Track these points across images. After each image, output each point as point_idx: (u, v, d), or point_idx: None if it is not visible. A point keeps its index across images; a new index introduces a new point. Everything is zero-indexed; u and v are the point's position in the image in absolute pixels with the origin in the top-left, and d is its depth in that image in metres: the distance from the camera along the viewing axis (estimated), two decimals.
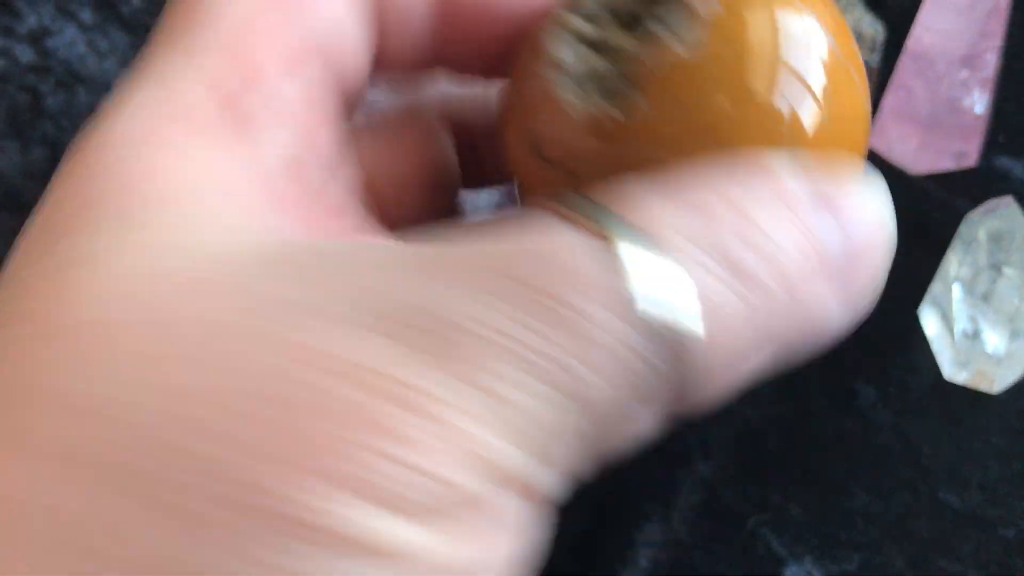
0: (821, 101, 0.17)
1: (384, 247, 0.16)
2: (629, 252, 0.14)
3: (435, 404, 0.13)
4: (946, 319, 0.35)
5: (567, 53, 0.18)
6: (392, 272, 0.14)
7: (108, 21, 0.44)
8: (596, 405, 0.14)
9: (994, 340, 0.34)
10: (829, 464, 0.35)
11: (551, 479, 0.15)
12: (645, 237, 0.14)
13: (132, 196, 0.16)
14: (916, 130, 0.41)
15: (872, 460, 0.35)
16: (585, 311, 0.14)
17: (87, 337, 0.15)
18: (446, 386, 0.13)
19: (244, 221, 0.16)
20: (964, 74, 0.39)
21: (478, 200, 0.34)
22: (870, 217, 0.18)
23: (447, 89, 0.23)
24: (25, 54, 0.43)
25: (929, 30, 0.39)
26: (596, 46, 0.17)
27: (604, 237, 0.14)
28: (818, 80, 0.17)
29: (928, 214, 0.41)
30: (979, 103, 0.40)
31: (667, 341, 0.14)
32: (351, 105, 0.20)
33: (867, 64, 0.43)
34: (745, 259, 0.15)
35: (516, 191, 0.20)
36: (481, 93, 0.23)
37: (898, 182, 0.42)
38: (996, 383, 0.35)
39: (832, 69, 0.17)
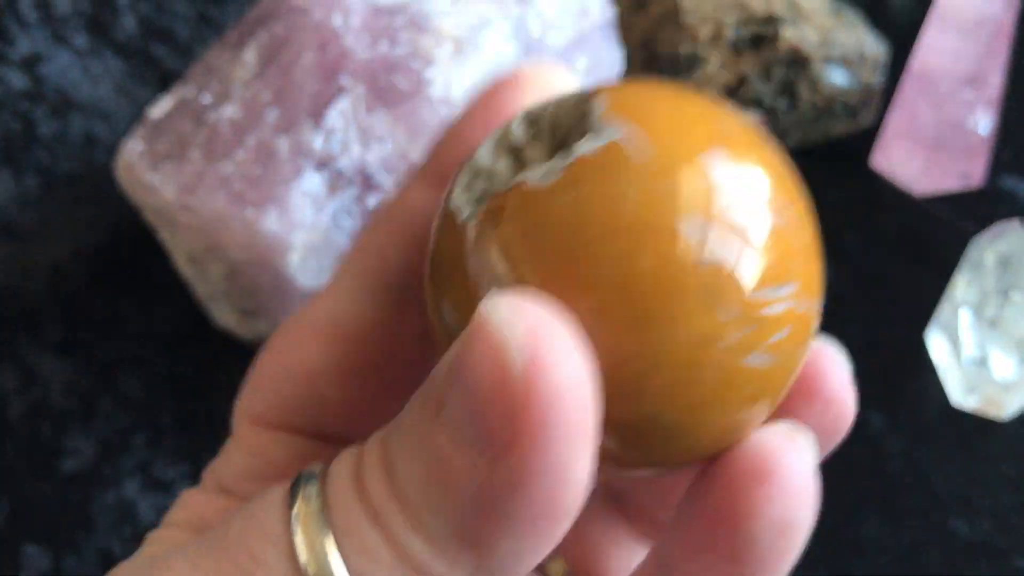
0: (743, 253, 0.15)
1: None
2: (300, 511, 0.16)
3: None
4: (954, 344, 0.35)
5: (480, 157, 0.16)
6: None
7: (102, 46, 0.44)
8: None
9: (1003, 366, 0.34)
10: (838, 492, 0.34)
11: None
12: (321, 502, 0.16)
13: None
14: (921, 150, 0.40)
15: (882, 488, 0.34)
16: (262, 559, 0.16)
17: None
18: None
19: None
20: (969, 95, 0.39)
21: None
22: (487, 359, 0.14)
23: None
24: (18, 80, 0.43)
25: (933, 51, 0.38)
26: (508, 158, 0.16)
27: (294, 496, 0.16)
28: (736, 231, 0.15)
29: (934, 236, 0.40)
30: (984, 123, 0.39)
31: None
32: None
33: (870, 85, 0.42)
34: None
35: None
36: None
37: (903, 204, 0.41)
38: (1005, 409, 0.34)
39: (769, 214, 0.15)
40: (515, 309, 0.14)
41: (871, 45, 0.43)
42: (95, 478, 0.36)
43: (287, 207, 0.33)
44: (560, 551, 0.21)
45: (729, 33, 0.42)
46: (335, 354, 0.20)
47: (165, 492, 0.35)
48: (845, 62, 0.42)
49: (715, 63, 0.42)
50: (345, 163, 0.33)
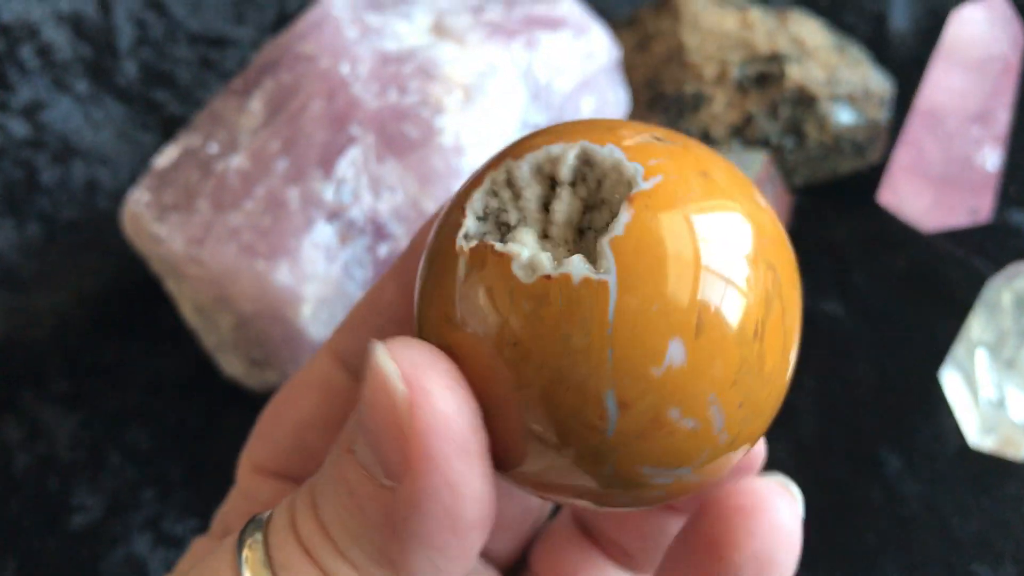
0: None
1: None
2: (248, 556, 0.17)
3: None
4: (970, 384, 0.35)
5: (482, 200, 0.17)
6: None
7: (103, 92, 0.44)
8: None
9: (1021, 407, 0.33)
10: (856, 537, 0.34)
11: None
12: (263, 545, 0.18)
13: None
14: (928, 187, 0.40)
15: (900, 532, 0.34)
16: None
17: None
18: None
19: None
20: (976, 132, 0.39)
21: None
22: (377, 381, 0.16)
23: None
24: (19, 128, 0.43)
25: (940, 89, 0.38)
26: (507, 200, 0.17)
27: (242, 541, 0.18)
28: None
29: (943, 273, 0.40)
30: (991, 159, 0.39)
31: None
32: None
33: (877, 121, 0.42)
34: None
35: None
36: None
37: (911, 240, 0.41)
38: (1023, 450, 0.34)
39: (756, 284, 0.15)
40: (398, 352, 0.16)
41: (876, 81, 0.43)
42: (104, 534, 0.35)
43: (299, 259, 0.32)
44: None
45: (734, 72, 0.42)
46: (323, 408, 0.22)
47: (176, 548, 0.35)
48: (851, 99, 0.42)
49: (721, 102, 0.41)
50: (356, 213, 0.33)
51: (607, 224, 0.16)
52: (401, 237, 0.33)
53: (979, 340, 0.34)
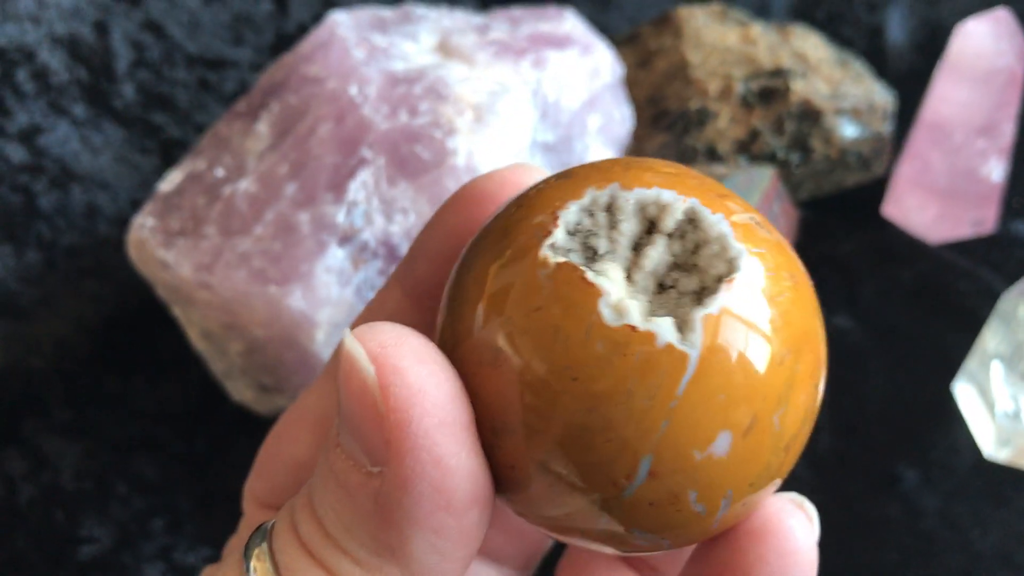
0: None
1: None
2: (255, 564, 0.18)
3: None
4: (985, 396, 0.35)
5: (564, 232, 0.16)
6: None
7: (101, 115, 0.43)
8: None
9: None
10: (877, 554, 0.33)
11: None
12: (269, 550, 0.18)
13: None
14: (933, 200, 0.40)
15: (920, 547, 0.34)
16: None
17: None
18: None
19: None
20: (981, 144, 0.39)
21: None
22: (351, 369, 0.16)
23: None
24: (16, 153, 0.42)
25: (945, 102, 0.38)
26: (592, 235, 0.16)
27: (249, 550, 0.18)
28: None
29: (950, 285, 0.40)
30: (996, 171, 0.40)
31: None
32: None
33: (881, 134, 0.42)
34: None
35: None
36: None
37: (918, 252, 0.41)
38: None
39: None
40: (365, 334, 0.16)
41: (879, 94, 0.43)
42: (114, 565, 0.35)
43: (312, 284, 0.32)
44: None
45: (738, 87, 0.42)
46: (318, 443, 0.21)
47: None
48: (855, 113, 0.42)
49: (726, 117, 0.41)
50: (368, 236, 0.33)
51: (695, 292, 0.15)
52: None
53: (994, 352, 0.34)
